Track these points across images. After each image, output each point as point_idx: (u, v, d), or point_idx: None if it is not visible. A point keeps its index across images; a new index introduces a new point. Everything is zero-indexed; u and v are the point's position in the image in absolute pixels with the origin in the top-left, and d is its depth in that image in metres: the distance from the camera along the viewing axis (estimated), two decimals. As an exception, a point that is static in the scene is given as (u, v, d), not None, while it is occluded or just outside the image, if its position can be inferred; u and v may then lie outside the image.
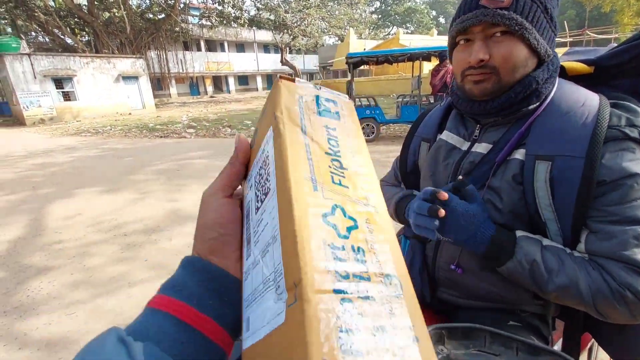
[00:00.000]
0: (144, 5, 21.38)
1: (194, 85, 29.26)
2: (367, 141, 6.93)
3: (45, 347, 1.83)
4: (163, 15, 20.69)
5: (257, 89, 32.99)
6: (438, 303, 0.79)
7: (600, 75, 0.70)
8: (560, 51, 0.92)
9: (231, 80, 30.96)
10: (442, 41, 27.80)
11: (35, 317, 2.08)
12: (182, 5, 20.87)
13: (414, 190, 0.88)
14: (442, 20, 45.78)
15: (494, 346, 0.32)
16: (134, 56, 19.02)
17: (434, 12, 45.61)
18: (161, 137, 9.56)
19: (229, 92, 30.84)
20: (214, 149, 7.27)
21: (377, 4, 47.16)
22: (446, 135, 0.76)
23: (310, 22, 22.85)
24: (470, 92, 0.65)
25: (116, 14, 18.80)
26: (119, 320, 2.00)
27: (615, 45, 0.71)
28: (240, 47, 31.91)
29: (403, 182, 0.93)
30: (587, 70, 0.71)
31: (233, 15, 19.67)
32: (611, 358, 0.73)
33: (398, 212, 0.84)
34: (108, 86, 17.74)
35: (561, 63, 0.70)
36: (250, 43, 31.80)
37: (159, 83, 25.01)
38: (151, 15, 21.00)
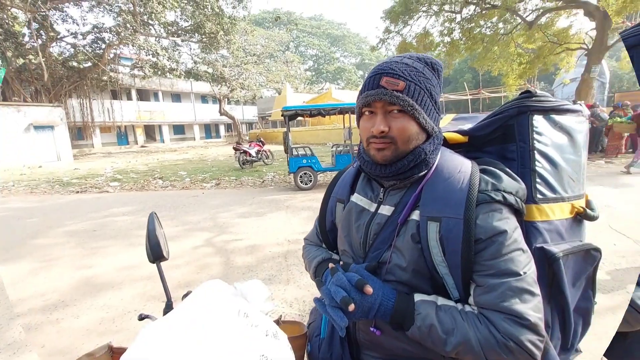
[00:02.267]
0: (68, 53, 20.17)
1: (122, 135, 27.41)
2: (305, 190, 7.08)
3: None
4: (89, 64, 19.69)
5: (194, 139, 32.18)
6: None
7: (474, 143, 0.85)
8: (449, 117, 1.10)
9: (165, 130, 29.84)
10: (370, 96, 31.03)
11: None
12: (111, 55, 20.21)
13: (333, 253, 0.91)
14: (368, 78, 51.77)
15: None
16: (50, 104, 17.40)
17: (360, 72, 51.37)
18: (77, 192, 8.52)
19: (162, 141, 29.49)
20: (140, 204, 6.67)
21: (310, 62, 51.67)
22: (356, 198, 0.82)
23: (248, 76, 23.85)
24: (373, 157, 0.73)
25: (32, 60, 17.34)
26: None
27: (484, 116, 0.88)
28: (176, 97, 31.48)
29: (323, 240, 0.95)
30: (463, 140, 0.85)
31: (168, 67, 19.57)
32: None
33: (317, 274, 0.85)
34: (15, 136, 15.66)
35: (443, 134, 0.83)
36: (187, 93, 31.63)
37: (79, 132, 22.92)
38: (75, 64, 19.82)
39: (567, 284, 0.74)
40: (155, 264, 0.83)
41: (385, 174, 0.73)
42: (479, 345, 0.60)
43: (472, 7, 13.55)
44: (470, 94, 22.48)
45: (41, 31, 17.29)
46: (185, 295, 0.78)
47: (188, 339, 0.52)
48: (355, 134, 7.53)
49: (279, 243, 4.02)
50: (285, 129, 7.43)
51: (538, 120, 0.75)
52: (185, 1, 17.60)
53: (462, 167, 0.71)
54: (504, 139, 0.80)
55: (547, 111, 0.76)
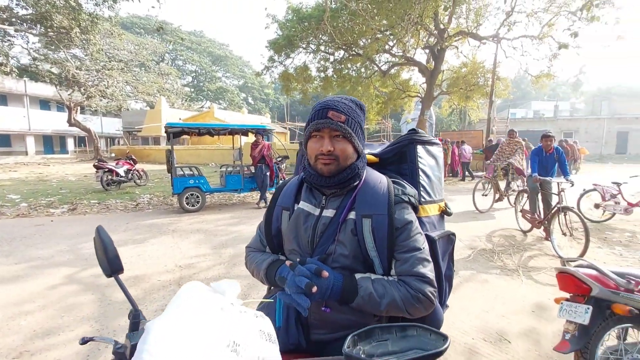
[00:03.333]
0: None
1: None
2: (191, 212, 6.61)
3: None
4: None
5: (26, 153, 25.06)
6: (313, 345, 0.96)
7: (381, 163, 1.19)
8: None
9: (-23, 140, 22.31)
10: (252, 118, 31.33)
11: None
12: None
13: (280, 255, 1.07)
14: (250, 101, 52.15)
15: (383, 336, 0.52)
16: None
17: (243, 95, 51.47)
18: None
19: (-29, 155, 21.85)
20: (-54, 239, 4.83)
21: (189, 78, 48.63)
22: (303, 205, 1.02)
23: (111, 84, 20.52)
24: (321, 171, 0.95)
25: None
26: None
27: (385, 144, 1.24)
28: (0, 98, 24.17)
29: (268, 245, 1.09)
30: (375, 160, 1.18)
31: (-8, 60, 15.02)
32: None
33: (268, 276, 0.99)
34: None
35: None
36: (18, 95, 24.69)
37: None
38: None
39: (440, 258, 1.12)
40: (113, 277, 0.80)
41: (329, 184, 0.96)
42: (402, 301, 0.88)
43: (342, 52, 15.88)
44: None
45: None
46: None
47: (194, 329, 0.60)
48: (245, 155, 7.59)
49: (168, 270, 3.67)
50: (166, 147, 6.82)
51: (420, 149, 1.14)
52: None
53: (381, 179, 1.01)
54: (400, 160, 1.16)
55: (424, 143, 1.16)
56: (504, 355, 2.21)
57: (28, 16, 15.62)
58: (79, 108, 22.08)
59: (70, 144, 29.65)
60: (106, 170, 9.40)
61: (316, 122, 0.93)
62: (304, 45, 15.42)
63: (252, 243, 1.15)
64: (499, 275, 3.56)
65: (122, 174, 9.65)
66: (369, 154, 1.17)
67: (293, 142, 24.28)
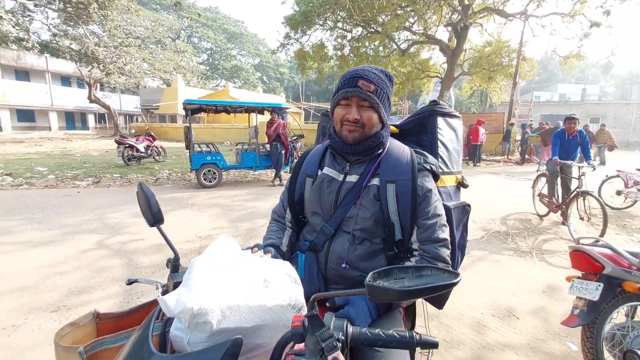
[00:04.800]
0: None
1: None
2: (209, 187, 6.81)
3: None
4: None
5: (49, 128, 25.93)
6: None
7: (401, 134, 1.22)
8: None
9: (4, 115, 23.17)
10: (268, 98, 31.19)
11: None
12: None
13: (283, 235, 1.13)
14: (265, 80, 51.68)
15: (399, 275, 0.58)
16: None
17: (258, 74, 50.96)
18: None
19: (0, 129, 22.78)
20: (-16, 206, 5.19)
21: (205, 56, 48.39)
22: (327, 170, 1.07)
23: (129, 61, 20.69)
24: (345, 138, 1.00)
25: None
26: None
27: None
28: (23, 74, 24.84)
29: (290, 210, 1.16)
30: (396, 131, 1.21)
31: (14, 35, 15.32)
32: (434, 307, 1.18)
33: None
34: None
35: None
36: (39, 71, 25.27)
37: None
38: None
39: (454, 226, 1.17)
40: (156, 227, 0.89)
41: (354, 151, 1.01)
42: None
43: (360, 29, 15.40)
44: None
45: None
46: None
47: (231, 266, 0.67)
48: (260, 133, 7.66)
49: (189, 240, 3.85)
50: (184, 124, 6.96)
51: (440, 120, 1.17)
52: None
53: (404, 148, 1.05)
54: (420, 131, 1.19)
55: (444, 115, 1.18)
56: (512, 329, 2.28)
57: (47, -9, 15.75)
58: (98, 85, 22.49)
59: (91, 120, 30.44)
60: (127, 146, 9.69)
61: (345, 90, 0.96)
62: (320, 22, 15.02)
63: (276, 208, 1.22)
64: (512, 256, 3.59)
65: (142, 150, 9.93)
66: (391, 125, 1.21)
67: (307, 123, 24.16)
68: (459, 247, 1.23)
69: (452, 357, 1.98)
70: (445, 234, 0.98)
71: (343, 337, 0.57)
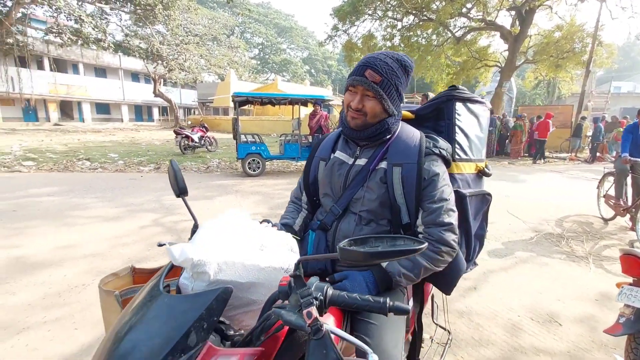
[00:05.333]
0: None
1: (30, 110, 23.50)
2: (253, 176, 7.17)
3: None
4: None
5: (121, 120, 29.05)
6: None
7: (418, 120, 1.21)
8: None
9: (86, 108, 26.42)
10: (315, 90, 31.51)
11: None
12: (19, 15, 17.13)
13: (315, 199, 1.20)
14: (313, 72, 52.15)
15: (375, 244, 0.61)
16: None
17: (307, 67, 51.59)
18: (-20, 170, 7.30)
19: (82, 120, 26.06)
20: (67, 185, 6.06)
21: (256, 51, 50.20)
22: (338, 154, 1.11)
23: (188, 58, 22.28)
24: (349, 123, 1.03)
25: None
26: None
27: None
28: (101, 71, 28.02)
29: (305, 192, 1.23)
30: (411, 117, 1.20)
31: (94, 37, 17.34)
32: (441, 292, 1.16)
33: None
34: None
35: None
36: (114, 69, 28.33)
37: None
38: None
39: (471, 216, 1.14)
40: (180, 197, 1.01)
41: (359, 136, 1.04)
42: (429, 264, 0.96)
43: (411, 17, 14.77)
44: (405, 97, 24.34)
45: None
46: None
47: (233, 230, 0.76)
48: (303, 125, 7.83)
49: (231, 223, 4.14)
50: (233, 116, 7.37)
51: (459, 106, 1.14)
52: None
53: (414, 133, 1.05)
54: (437, 117, 1.17)
55: (464, 100, 1.15)
56: (551, 335, 2.12)
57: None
58: (162, 80, 24.60)
59: (156, 113, 33.45)
60: (183, 136, 10.55)
61: (353, 78, 0.99)
62: (369, 12, 14.71)
63: (294, 190, 1.30)
64: (563, 260, 3.28)
65: (197, 140, 10.73)
66: (406, 110, 1.20)
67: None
68: (476, 237, 1.20)
69: (478, 355, 1.92)
70: (451, 218, 0.97)
71: (322, 297, 0.62)
